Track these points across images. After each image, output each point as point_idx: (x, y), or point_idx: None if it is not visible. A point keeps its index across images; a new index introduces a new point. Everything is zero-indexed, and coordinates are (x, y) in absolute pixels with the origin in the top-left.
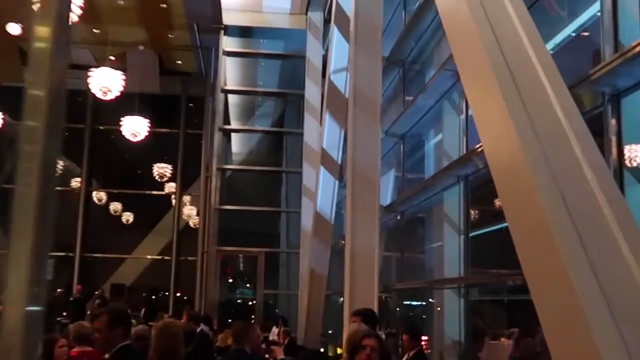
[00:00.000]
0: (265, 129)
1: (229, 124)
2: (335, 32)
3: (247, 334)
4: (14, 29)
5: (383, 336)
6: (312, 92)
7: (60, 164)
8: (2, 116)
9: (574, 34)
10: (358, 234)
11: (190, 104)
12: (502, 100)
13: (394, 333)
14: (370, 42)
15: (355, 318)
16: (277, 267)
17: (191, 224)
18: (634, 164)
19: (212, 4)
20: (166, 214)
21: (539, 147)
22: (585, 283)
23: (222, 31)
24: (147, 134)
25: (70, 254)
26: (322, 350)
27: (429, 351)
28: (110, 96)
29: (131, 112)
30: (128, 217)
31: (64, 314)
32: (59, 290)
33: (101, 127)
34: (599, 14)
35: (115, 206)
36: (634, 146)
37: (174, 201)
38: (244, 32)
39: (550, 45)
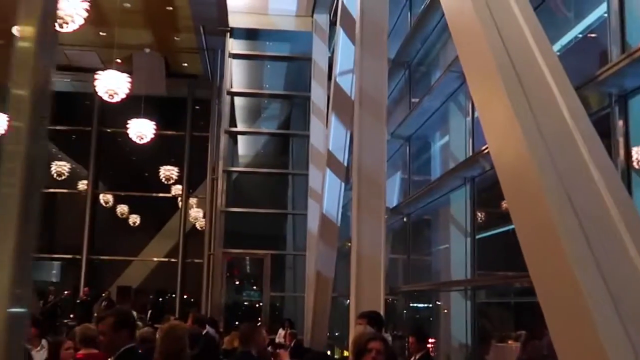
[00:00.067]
0: (271, 131)
1: (235, 126)
2: (341, 34)
3: (253, 337)
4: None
5: (389, 338)
6: (318, 94)
7: (67, 167)
8: (7, 119)
9: (580, 36)
10: (364, 236)
11: (197, 107)
12: (508, 101)
13: (401, 335)
14: (376, 44)
15: (361, 320)
16: (283, 270)
17: (197, 226)
18: None
19: (218, 7)
20: (172, 217)
21: (545, 148)
22: (592, 284)
23: (228, 33)
24: (153, 136)
25: (77, 257)
26: (328, 352)
27: (436, 354)
28: (116, 99)
29: (137, 115)
30: (135, 219)
31: (71, 316)
32: (65, 292)
33: (108, 130)
34: (605, 15)
35: (122, 208)
36: None
37: (180, 203)
38: (250, 35)
39: (556, 47)
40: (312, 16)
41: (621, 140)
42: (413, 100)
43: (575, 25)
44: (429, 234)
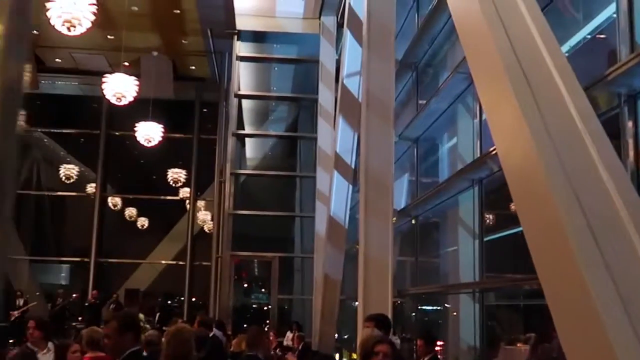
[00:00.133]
0: (278, 134)
1: (242, 129)
2: (348, 36)
3: (260, 340)
4: None
5: (398, 341)
6: (325, 97)
7: (75, 170)
8: None
9: (589, 37)
10: (372, 238)
11: (204, 109)
12: (516, 102)
13: (409, 338)
14: (383, 46)
15: (368, 323)
16: (291, 272)
17: (205, 229)
18: None
19: (225, 10)
20: (180, 219)
21: (554, 149)
22: (601, 286)
23: (236, 36)
24: (161, 139)
25: (86, 259)
26: (336, 355)
27: (444, 357)
28: (124, 102)
29: (145, 118)
30: (143, 222)
31: (79, 318)
32: (74, 295)
33: (116, 133)
34: (614, 15)
35: (131, 211)
36: None
37: (188, 206)
38: (257, 37)
39: (565, 48)
40: (319, 18)
41: (631, 141)
42: (420, 101)
43: (584, 26)
44: (437, 236)
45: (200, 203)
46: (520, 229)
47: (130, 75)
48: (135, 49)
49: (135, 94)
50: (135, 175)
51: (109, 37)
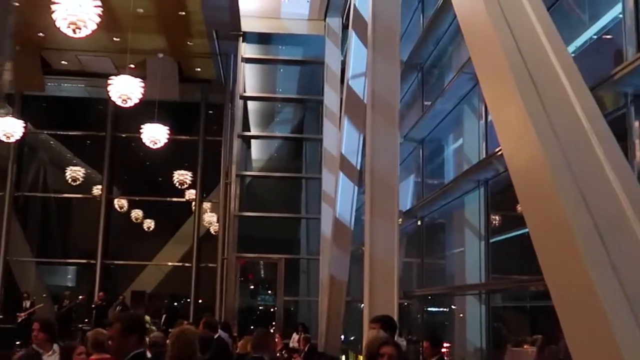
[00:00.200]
0: (284, 135)
1: (248, 130)
2: (353, 38)
3: (265, 342)
4: None
5: (404, 343)
6: (331, 98)
7: (81, 172)
8: (23, 125)
9: (595, 37)
10: (377, 239)
11: (210, 111)
12: (521, 102)
13: (415, 340)
14: (388, 47)
15: (374, 325)
16: (297, 274)
17: (211, 230)
18: None
19: (230, 11)
20: (186, 221)
21: (560, 149)
22: (607, 286)
23: (241, 38)
24: (166, 141)
25: (92, 261)
26: (342, 357)
27: (450, 358)
28: (129, 104)
29: (151, 120)
30: (149, 224)
31: (86, 320)
32: (80, 297)
33: (122, 135)
34: (620, 15)
35: (137, 213)
36: None
37: (194, 208)
38: (262, 39)
39: (571, 48)
40: (324, 20)
41: (637, 141)
42: (426, 102)
43: (589, 27)
44: (443, 237)
45: (206, 205)
46: (527, 230)
47: (136, 77)
48: (141, 51)
49: (140, 96)
50: (141, 177)
51: (114, 39)
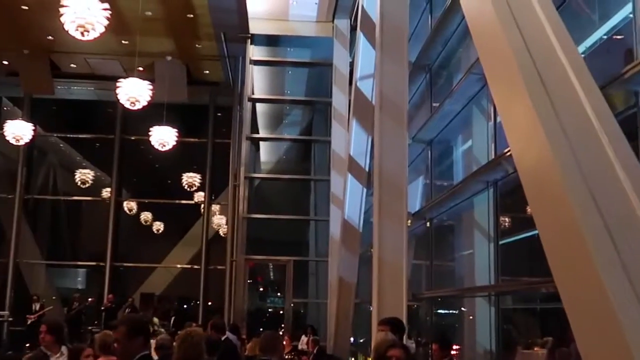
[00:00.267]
0: (293, 137)
1: (256, 132)
2: (361, 39)
3: (274, 345)
4: None
5: (413, 345)
6: (339, 100)
7: (90, 175)
8: (32, 127)
9: (605, 37)
10: (386, 241)
11: (218, 113)
12: (530, 102)
13: (425, 342)
14: (396, 48)
15: (382, 327)
16: (306, 276)
17: (220, 232)
18: None
19: (238, 13)
20: (195, 223)
21: (569, 148)
22: (618, 286)
23: (249, 40)
24: (175, 143)
25: (101, 264)
26: (351, 359)
27: None
28: (138, 106)
29: (160, 122)
30: (158, 226)
31: (95, 322)
32: (90, 299)
33: (131, 138)
34: (631, 15)
35: (146, 216)
36: None
37: (202, 210)
38: (270, 41)
39: (581, 48)
40: (332, 22)
41: None
42: (434, 104)
43: (600, 27)
44: (452, 239)
45: (215, 207)
46: (536, 232)
47: (144, 79)
48: (149, 54)
49: (149, 99)
50: (150, 180)
51: (123, 42)
